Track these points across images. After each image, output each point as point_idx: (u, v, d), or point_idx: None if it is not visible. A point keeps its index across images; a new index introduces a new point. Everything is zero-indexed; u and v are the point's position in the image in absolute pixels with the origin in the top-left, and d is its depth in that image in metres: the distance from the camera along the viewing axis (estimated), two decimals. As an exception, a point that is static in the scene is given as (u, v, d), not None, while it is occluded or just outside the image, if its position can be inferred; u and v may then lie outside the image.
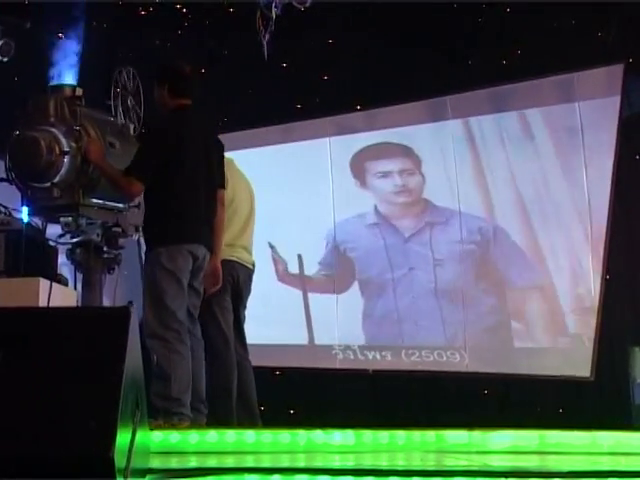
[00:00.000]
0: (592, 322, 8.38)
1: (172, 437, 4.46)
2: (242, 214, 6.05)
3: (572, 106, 8.61)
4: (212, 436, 4.54)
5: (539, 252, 8.75)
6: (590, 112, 8.54)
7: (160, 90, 5.52)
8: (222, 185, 5.58)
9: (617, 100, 8.39)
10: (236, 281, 5.99)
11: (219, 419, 5.59)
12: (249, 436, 4.54)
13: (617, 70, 8.41)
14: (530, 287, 8.76)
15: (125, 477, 2.79)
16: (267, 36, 7.03)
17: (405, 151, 9.40)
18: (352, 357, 9.37)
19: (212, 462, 4.22)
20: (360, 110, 9.53)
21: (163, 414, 5.02)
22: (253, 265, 6.27)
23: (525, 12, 8.45)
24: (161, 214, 5.36)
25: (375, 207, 9.48)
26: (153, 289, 5.24)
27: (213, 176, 5.48)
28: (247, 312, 6.47)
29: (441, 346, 9.06)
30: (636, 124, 8.57)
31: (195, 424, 5.20)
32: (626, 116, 8.46)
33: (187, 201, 5.30)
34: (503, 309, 8.91)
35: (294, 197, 9.68)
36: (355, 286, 9.51)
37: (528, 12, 8.41)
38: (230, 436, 4.56)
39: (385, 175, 9.47)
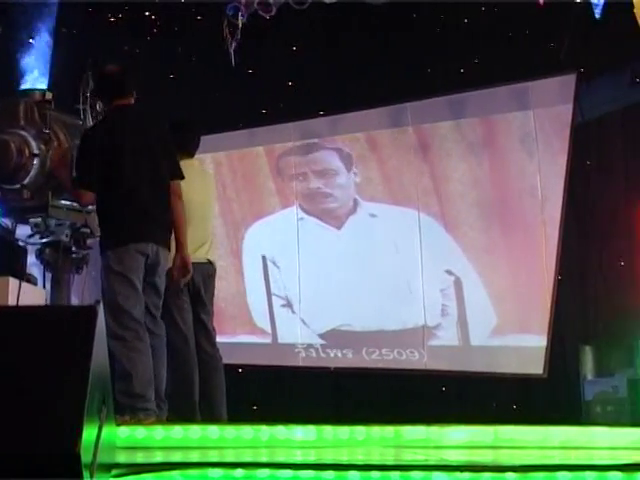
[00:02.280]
0: (545, 321, 8.56)
1: (138, 433, 4.42)
2: (198, 213, 5.93)
3: (527, 114, 8.79)
4: (177, 432, 4.52)
5: (495, 254, 8.93)
6: (544, 120, 8.72)
7: (100, 100, 5.61)
8: (177, 176, 5.47)
9: (569, 108, 8.59)
10: (192, 280, 5.88)
11: (183, 415, 5.62)
12: (213, 432, 4.55)
13: (569, 79, 8.60)
14: (485, 287, 8.97)
15: (91, 472, 2.81)
16: (234, 43, 7.09)
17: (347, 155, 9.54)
18: (314, 355, 9.47)
19: (177, 457, 4.21)
20: (323, 115, 9.67)
21: (129, 411, 5.05)
22: (211, 262, 6.19)
23: (482, 22, 8.62)
24: (104, 218, 5.35)
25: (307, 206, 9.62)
26: (107, 292, 5.24)
27: (159, 170, 5.38)
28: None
29: (401, 345, 9.21)
30: (587, 132, 8.78)
31: (161, 420, 5.25)
32: (578, 124, 8.67)
33: (128, 201, 5.24)
34: (460, 309, 9.09)
35: (259, 198, 9.76)
36: (317, 285, 9.64)
37: (484, 22, 8.58)
38: (195, 431, 4.54)
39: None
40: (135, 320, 5.21)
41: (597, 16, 6.66)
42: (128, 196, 5.24)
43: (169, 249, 5.42)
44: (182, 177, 5.50)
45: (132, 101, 5.45)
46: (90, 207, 5.83)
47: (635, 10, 6.64)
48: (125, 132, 5.32)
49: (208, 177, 6.40)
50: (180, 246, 5.45)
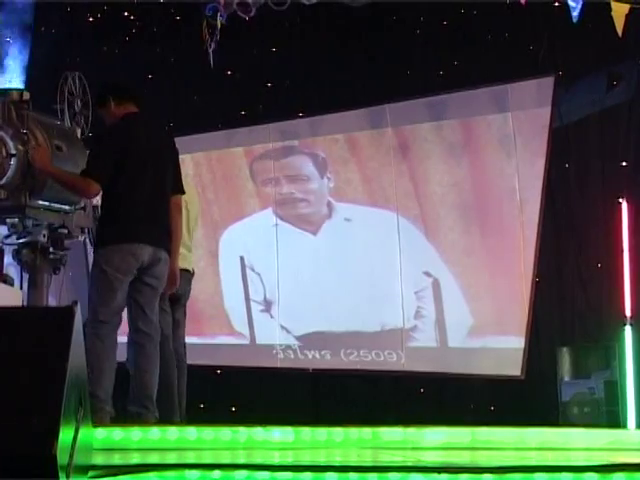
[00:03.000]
0: (522, 323, 8.61)
1: (115, 434, 4.45)
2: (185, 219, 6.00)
3: (505, 116, 8.83)
4: (154, 433, 4.56)
5: (473, 256, 8.96)
6: (522, 122, 8.76)
7: (105, 107, 5.62)
8: (179, 191, 5.64)
9: (548, 111, 8.63)
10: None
11: (161, 416, 5.63)
12: (190, 433, 4.57)
13: (548, 82, 8.65)
14: (463, 289, 9.00)
15: (68, 474, 2.82)
16: (213, 44, 7.09)
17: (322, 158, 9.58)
18: (292, 357, 9.46)
19: (154, 458, 4.23)
20: (302, 117, 9.68)
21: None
22: (192, 270, 6.36)
23: (461, 25, 8.66)
24: (104, 216, 5.47)
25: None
26: (90, 288, 5.39)
27: (165, 181, 5.53)
28: (189, 312, 6.55)
29: (379, 346, 9.23)
30: (565, 134, 8.82)
31: (143, 420, 5.26)
32: (556, 126, 8.71)
33: (127, 203, 5.35)
34: (438, 310, 9.11)
35: (237, 200, 9.77)
36: (295, 286, 9.64)
37: (464, 25, 8.62)
38: (172, 433, 4.58)
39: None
40: (97, 320, 5.29)
41: (575, 20, 6.69)
42: (129, 198, 5.36)
43: (170, 254, 5.51)
44: (183, 192, 5.68)
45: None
46: (67, 207, 5.86)
47: (613, 14, 6.69)
48: (141, 137, 5.47)
49: (189, 184, 6.41)
50: (172, 258, 5.55)
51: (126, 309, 5.48)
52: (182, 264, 6.01)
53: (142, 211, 5.39)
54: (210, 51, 7.28)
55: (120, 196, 5.36)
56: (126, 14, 8.84)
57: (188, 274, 6.25)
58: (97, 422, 4.83)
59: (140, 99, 5.67)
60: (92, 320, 5.29)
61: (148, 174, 5.43)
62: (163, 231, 5.51)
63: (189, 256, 6.26)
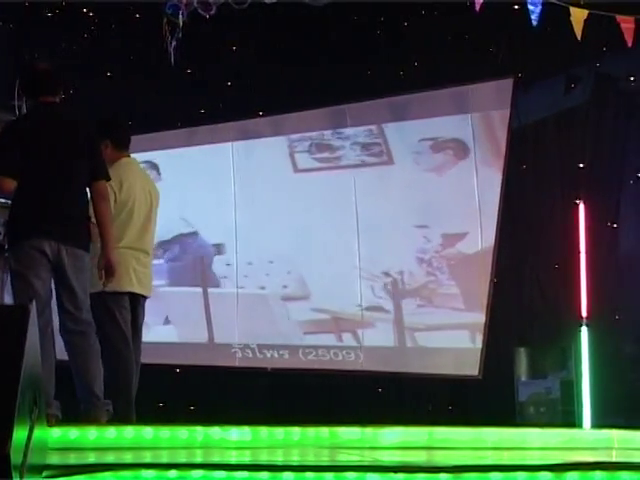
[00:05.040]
0: (480, 323, 8.67)
1: (71, 433, 4.43)
2: (140, 216, 5.97)
3: (465, 117, 8.90)
4: (111, 432, 4.53)
5: (431, 256, 9.00)
6: (482, 123, 8.84)
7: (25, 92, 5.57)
8: (101, 176, 5.41)
9: (507, 112, 8.72)
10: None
11: (120, 415, 5.60)
12: (147, 432, 4.55)
13: (507, 84, 8.74)
14: (422, 289, 9.04)
15: (21, 473, 2.79)
16: (173, 42, 7.06)
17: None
18: (251, 355, 9.45)
19: (110, 458, 4.21)
20: (262, 116, 9.67)
21: None
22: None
23: (422, 26, 8.70)
24: (9, 214, 5.32)
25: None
26: (12, 292, 5.30)
27: (76, 169, 5.31)
28: (148, 310, 6.52)
29: (337, 345, 9.26)
30: (524, 136, 8.91)
31: (92, 416, 5.23)
32: (515, 128, 8.80)
33: (28, 198, 5.19)
34: (397, 310, 9.15)
35: (198, 199, 9.74)
36: (255, 285, 9.65)
37: (425, 26, 8.67)
38: (128, 432, 4.56)
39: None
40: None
41: (533, 23, 6.75)
42: (30, 193, 5.20)
43: (84, 249, 5.33)
44: (107, 178, 5.47)
45: (57, 100, 5.43)
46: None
47: (572, 18, 6.76)
48: (44, 128, 5.30)
49: (149, 181, 6.36)
50: (105, 246, 5.37)
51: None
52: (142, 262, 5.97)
53: (44, 206, 5.22)
54: (171, 49, 7.24)
55: (23, 192, 5.20)
56: (85, 10, 8.77)
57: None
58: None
59: (61, 88, 5.48)
60: None
61: (55, 166, 5.25)
62: (72, 225, 5.30)
63: (149, 264, 6.17)
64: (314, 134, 9.56)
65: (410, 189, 9.10)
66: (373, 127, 9.34)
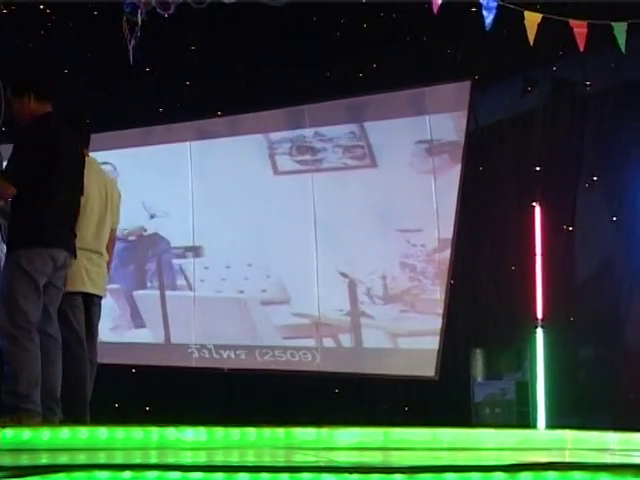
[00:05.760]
0: (437, 325, 8.71)
1: (23, 434, 4.37)
2: (94, 217, 5.96)
3: (423, 119, 8.95)
4: (64, 433, 4.48)
5: (389, 257, 9.04)
6: (439, 125, 8.89)
7: (23, 100, 5.49)
8: (82, 192, 5.58)
9: (464, 115, 8.78)
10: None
11: (74, 416, 5.58)
12: (102, 433, 4.52)
13: (464, 86, 8.80)
14: (379, 290, 9.05)
15: None
16: (132, 41, 7.02)
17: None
18: (207, 356, 9.45)
19: (63, 459, 4.16)
20: (221, 116, 9.66)
21: (12, 411, 5.00)
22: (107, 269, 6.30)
23: (380, 28, 8.73)
24: (22, 217, 5.33)
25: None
26: (9, 289, 5.24)
27: (78, 185, 5.49)
28: (104, 311, 6.48)
29: (294, 346, 9.26)
30: (481, 138, 8.97)
31: (48, 421, 5.19)
32: (472, 130, 8.86)
33: (50, 206, 5.29)
34: (353, 310, 9.16)
35: (156, 198, 9.71)
36: (213, 285, 9.62)
37: (383, 28, 8.69)
38: (82, 433, 4.52)
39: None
40: (29, 321, 5.22)
41: (487, 27, 6.80)
42: (51, 201, 5.29)
43: (75, 256, 5.49)
44: (82, 193, 5.60)
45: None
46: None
47: (525, 22, 6.82)
48: (64, 138, 5.37)
49: (106, 182, 6.31)
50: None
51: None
52: (95, 262, 5.95)
53: (61, 215, 5.36)
54: (130, 48, 7.20)
55: (44, 199, 5.28)
56: (42, 7, 8.70)
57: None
58: (25, 423, 4.82)
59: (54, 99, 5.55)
60: (23, 321, 5.18)
61: (68, 179, 5.38)
62: (73, 236, 5.49)
63: (103, 264, 6.15)
64: (274, 135, 9.57)
65: (367, 190, 9.14)
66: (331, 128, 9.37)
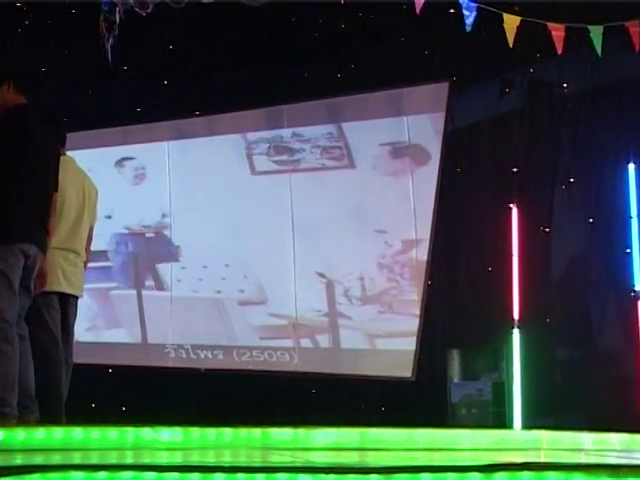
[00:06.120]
0: (414, 326, 8.73)
1: None
2: (70, 216, 5.93)
3: (401, 119, 8.97)
4: (40, 433, 4.44)
5: (367, 257, 9.05)
6: (417, 126, 8.91)
7: (1, 88, 5.44)
8: (55, 188, 5.49)
9: (442, 116, 8.81)
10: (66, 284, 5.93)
11: (50, 416, 5.55)
12: (77, 433, 4.49)
13: (442, 87, 8.82)
14: (356, 291, 9.06)
15: None
16: (110, 39, 6.99)
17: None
18: (184, 356, 9.44)
19: (38, 459, 4.13)
20: (199, 116, 9.63)
21: None
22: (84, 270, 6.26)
23: (359, 28, 8.74)
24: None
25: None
26: None
27: (50, 180, 5.40)
28: (80, 310, 6.46)
29: (271, 346, 9.25)
30: (458, 139, 9.00)
31: (23, 422, 5.16)
32: (449, 131, 8.88)
33: (21, 201, 5.17)
34: (331, 311, 9.17)
35: (132, 197, 9.69)
36: (190, 285, 9.60)
37: (362, 29, 8.71)
38: (58, 433, 4.49)
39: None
40: (6, 321, 5.13)
41: (467, 29, 6.83)
42: (22, 194, 5.18)
43: (44, 252, 5.39)
44: (57, 190, 5.51)
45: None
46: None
47: (504, 25, 6.85)
48: (36, 131, 5.29)
49: (84, 181, 6.28)
50: (44, 258, 5.42)
51: None
52: (71, 262, 5.92)
53: (32, 209, 5.25)
54: (108, 46, 7.17)
55: (15, 193, 5.17)
56: (19, 5, 8.65)
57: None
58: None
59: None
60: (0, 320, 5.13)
61: (39, 172, 5.28)
62: (44, 232, 5.38)
63: (79, 264, 6.12)
64: (252, 135, 9.57)
65: (346, 191, 9.15)
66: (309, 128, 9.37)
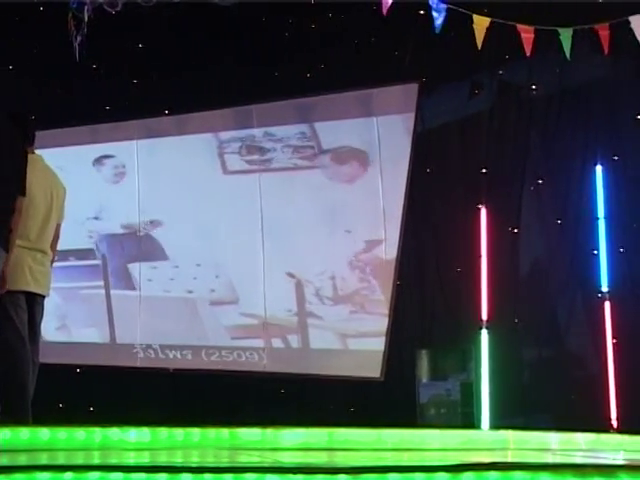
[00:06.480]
0: (383, 326, 8.75)
1: None
2: (38, 215, 5.86)
3: (370, 120, 8.98)
4: (5, 434, 4.42)
5: (336, 257, 9.06)
6: (387, 126, 8.93)
7: None
8: (23, 193, 5.44)
9: (412, 116, 8.83)
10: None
11: (16, 416, 5.51)
12: (43, 434, 4.49)
13: (412, 88, 8.84)
14: (326, 291, 9.07)
15: None
16: (79, 37, 6.95)
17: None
18: (153, 356, 9.40)
19: (3, 460, 4.08)
20: (168, 114, 9.61)
21: None
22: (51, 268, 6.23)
23: (329, 29, 8.75)
24: None
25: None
26: None
27: (12, 175, 5.35)
28: (47, 310, 6.42)
29: (241, 346, 9.24)
30: (428, 140, 9.02)
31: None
32: (419, 132, 8.91)
33: None
34: (300, 311, 9.16)
35: (103, 196, 9.64)
36: (161, 284, 9.57)
37: (332, 29, 8.72)
38: (24, 434, 4.47)
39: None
40: None
41: (436, 30, 6.86)
42: None
43: (7, 251, 5.37)
44: (24, 194, 5.46)
45: None
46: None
47: (474, 26, 6.88)
48: (1, 134, 5.35)
49: (53, 180, 6.24)
50: (5, 259, 5.39)
51: None
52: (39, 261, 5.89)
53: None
54: (76, 44, 7.12)
55: None
56: (-15, 2, 8.61)
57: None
58: None
59: None
60: None
61: (3, 173, 5.26)
62: (7, 230, 5.34)
63: (47, 263, 6.08)
64: (224, 134, 9.55)
65: (314, 191, 9.16)
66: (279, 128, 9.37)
